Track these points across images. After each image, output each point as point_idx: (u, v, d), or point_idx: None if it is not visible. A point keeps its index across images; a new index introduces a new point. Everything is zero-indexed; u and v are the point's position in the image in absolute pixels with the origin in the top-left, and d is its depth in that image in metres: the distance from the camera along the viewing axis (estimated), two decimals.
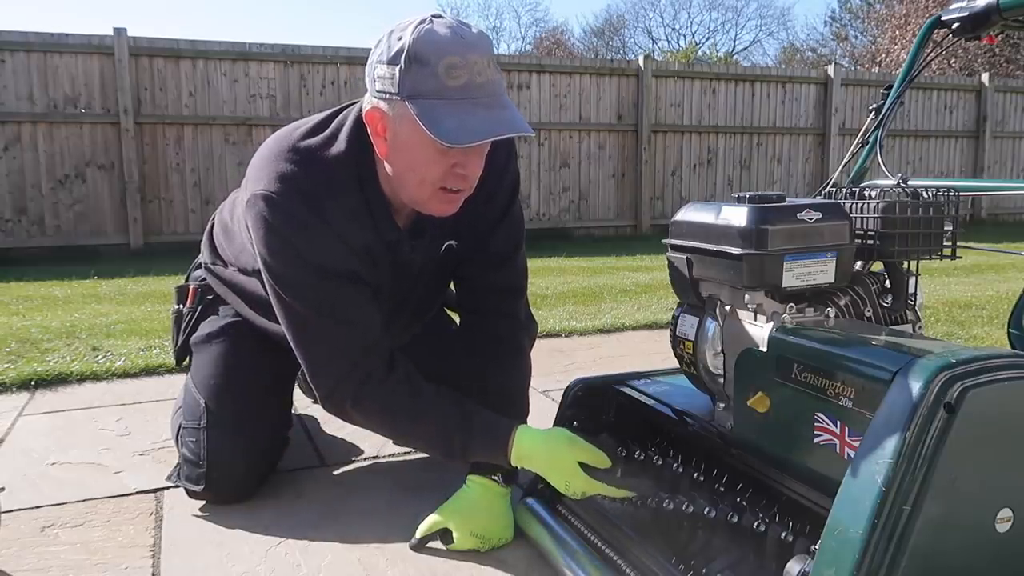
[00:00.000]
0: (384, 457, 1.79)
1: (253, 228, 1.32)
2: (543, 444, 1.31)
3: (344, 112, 1.37)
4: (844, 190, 1.34)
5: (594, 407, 1.51)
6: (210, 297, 1.67)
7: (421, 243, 1.43)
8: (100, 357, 2.64)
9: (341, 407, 1.37)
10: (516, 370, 1.53)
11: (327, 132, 1.34)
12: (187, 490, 1.52)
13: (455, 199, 1.29)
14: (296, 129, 1.36)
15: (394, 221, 1.37)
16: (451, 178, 1.24)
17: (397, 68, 1.17)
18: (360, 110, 1.31)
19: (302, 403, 2.00)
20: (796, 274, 1.12)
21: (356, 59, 6.98)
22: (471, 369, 1.50)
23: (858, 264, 1.26)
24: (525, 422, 1.51)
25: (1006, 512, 0.88)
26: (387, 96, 1.20)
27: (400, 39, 1.17)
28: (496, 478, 1.39)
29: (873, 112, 1.69)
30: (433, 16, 1.19)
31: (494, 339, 1.51)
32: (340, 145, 1.31)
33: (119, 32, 6.37)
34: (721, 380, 1.23)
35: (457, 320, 1.67)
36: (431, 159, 1.22)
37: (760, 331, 1.13)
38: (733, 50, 27.30)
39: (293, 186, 1.29)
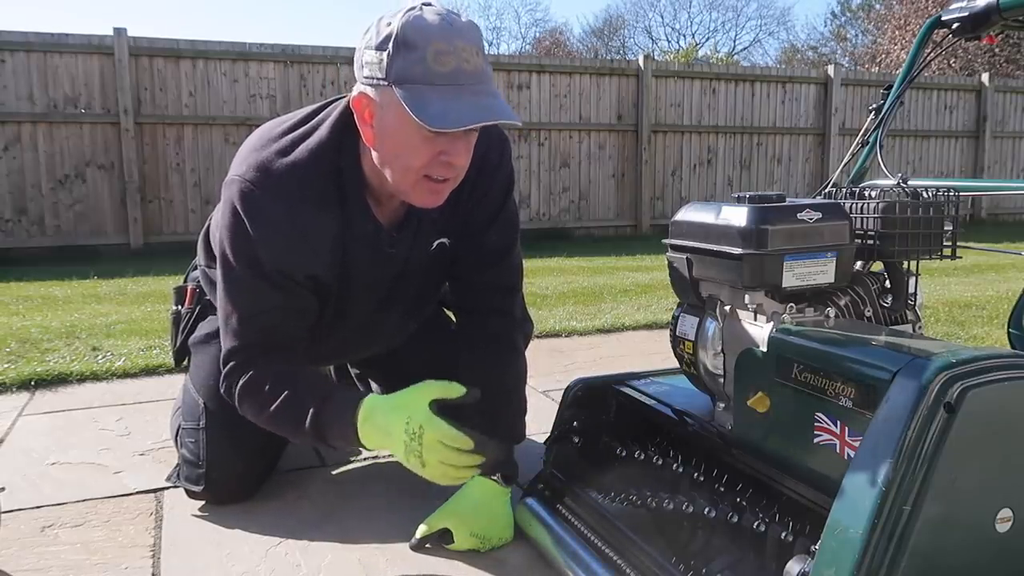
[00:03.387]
0: (384, 457, 1.79)
1: (221, 209, 1.36)
2: (391, 398, 1.26)
3: (332, 105, 1.38)
4: (844, 190, 1.34)
5: (594, 407, 1.51)
6: (208, 298, 1.67)
7: (404, 237, 1.42)
8: (100, 357, 2.64)
9: (228, 384, 1.38)
10: (512, 368, 1.53)
11: (311, 123, 1.36)
12: (187, 490, 1.52)
13: (440, 189, 1.27)
14: (283, 123, 1.39)
15: (371, 212, 1.37)
16: (436, 166, 1.23)
17: (385, 53, 1.17)
18: (347, 102, 1.32)
19: None
20: (796, 274, 1.12)
21: None
22: (467, 368, 1.50)
23: (858, 264, 1.26)
24: (523, 421, 1.51)
25: (1006, 512, 0.88)
26: (374, 82, 1.20)
27: (389, 25, 1.17)
28: (496, 478, 1.39)
29: (873, 112, 1.69)
30: (423, 4, 1.19)
31: (489, 338, 1.51)
32: (321, 135, 1.33)
33: (119, 32, 6.37)
34: (721, 380, 1.23)
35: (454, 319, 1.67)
36: (416, 145, 1.21)
37: (760, 331, 1.13)
38: (733, 50, 27.31)
39: (267, 175, 1.31)
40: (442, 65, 1.15)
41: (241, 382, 1.35)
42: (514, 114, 1.21)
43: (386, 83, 1.18)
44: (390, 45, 1.16)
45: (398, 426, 1.22)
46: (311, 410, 1.29)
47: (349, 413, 1.27)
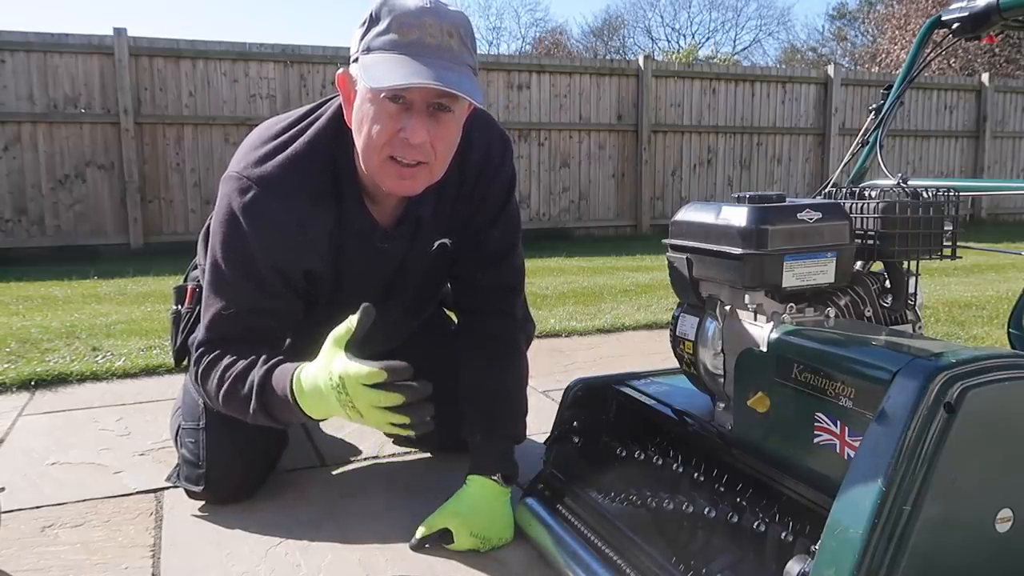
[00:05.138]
0: (384, 457, 1.79)
1: (218, 202, 1.36)
2: (314, 363, 1.23)
3: (330, 101, 1.39)
4: (844, 190, 1.34)
5: (594, 407, 1.51)
6: None
7: (400, 234, 1.42)
8: (100, 357, 2.64)
9: (195, 371, 1.39)
10: (513, 368, 1.53)
11: (308, 120, 1.37)
12: (187, 490, 1.52)
13: (408, 174, 1.25)
14: (281, 121, 1.39)
15: (365, 207, 1.37)
16: (398, 145, 1.22)
17: (362, 30, 1.21)
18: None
19: None
20: (796, 274, 1.12)
21: None
22: (468, 368, 1.51)
23: (858, 264, 1.26)
24: (524, 421, 1.51)
25: (1006, 512, 0.88)
26: (352, 58, 1.24)
27: (374, 5, 1.21)
28: (496, 478, 1.39)
29: (873, 112, 1.69)
30: None
31: (491, 338, 1.51)
32: (317, 130, 1.34)
33: (119, 32, 6.37)
34: (721, 380, 1.23)
35: (455, 320, 1.66)
36: (376, 118, 1.21)
37: (760, 331, 1.13)
38: (733, 50, 27.32)
39: (264, 171, 1.32)
40: (403, 36, 1.17)
41: (204, 363, 1.37)
42: (473, 91, 1.18)
43: (357, 57, 1.22)
44: (367, 21, 1.21)
45: (324, 383, 1.19)
46: (255, 393, 1.30)
47: (288, 391, 1.25)
